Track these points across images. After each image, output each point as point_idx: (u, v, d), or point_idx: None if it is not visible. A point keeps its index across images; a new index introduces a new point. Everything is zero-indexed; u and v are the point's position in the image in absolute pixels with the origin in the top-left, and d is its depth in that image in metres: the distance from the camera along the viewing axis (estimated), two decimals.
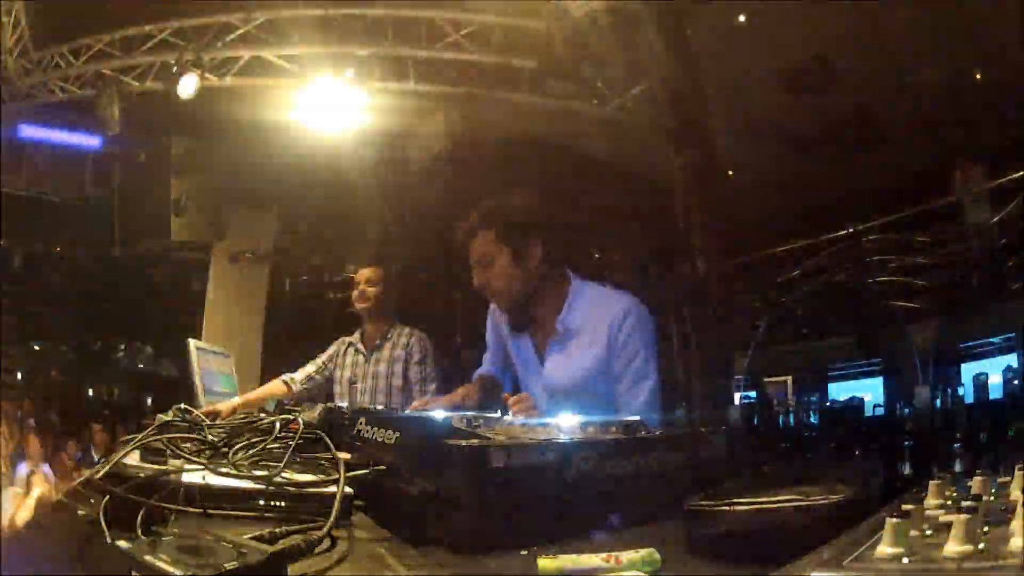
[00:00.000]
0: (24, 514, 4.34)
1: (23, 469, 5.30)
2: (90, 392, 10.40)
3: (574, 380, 2.07)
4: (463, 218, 2.14)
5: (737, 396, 6.21)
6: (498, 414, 1.41)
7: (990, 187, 6.08)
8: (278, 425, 1.25)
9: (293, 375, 3.22)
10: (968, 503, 0.66)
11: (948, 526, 0.65)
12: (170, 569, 0.66)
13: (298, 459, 1.13)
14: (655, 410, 1.98)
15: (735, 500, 0.94)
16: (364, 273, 3.30)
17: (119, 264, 8.80)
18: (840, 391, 7.23)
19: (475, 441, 1.02)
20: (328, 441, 1.15)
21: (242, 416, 2.14)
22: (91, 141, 7.31)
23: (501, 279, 2.06)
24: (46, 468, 5.48)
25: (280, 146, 6.30)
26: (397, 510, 1.02)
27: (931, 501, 0.84)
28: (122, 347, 10.65)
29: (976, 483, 0.90)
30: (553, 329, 2.09)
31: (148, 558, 0.68)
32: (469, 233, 2.10)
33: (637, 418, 1.30)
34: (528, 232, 2.07)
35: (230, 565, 0.68)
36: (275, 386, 3.18)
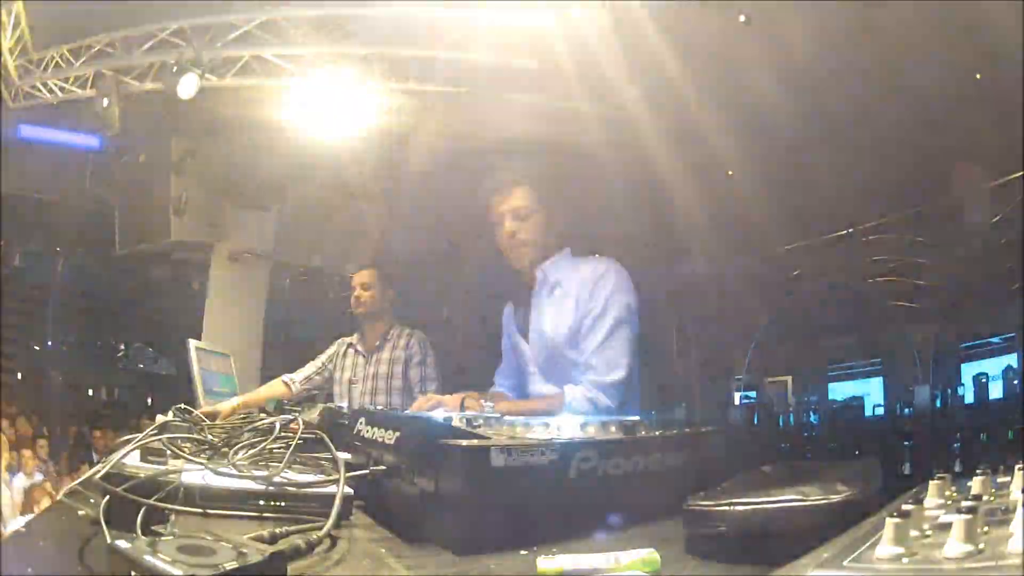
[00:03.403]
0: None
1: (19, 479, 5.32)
2: (90, 392, 10.40)
3: (553, 338, 2.10)
4: (502, 171, 2.20)
5: (737, 396, 6.21)
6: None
7: (990, 187, 6.08)
8: (278, 425, 1.25)
9: (292, 376, 3.22)
10: (968, 503, 0.66)
11: (948, 526, 0.65)
12: (170, 569, 0.66)
13: (298, 459, 1.13)
14: (609, 368, 1.98)
15: (735, 500, 0.94)
16: (358, 277, 3.30)
17: (119, 264, 8.79)
18: (840, 391, 7.23)
19: (475, 441, 1.02)
20: (328, 441, 1.15)
21: (242, 416, 2.14)
22: (91, 141, 7.31)
23: (531, 234, 2.15)
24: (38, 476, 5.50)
25: (280, 146, 6.30)
26: (397, 510, 1.02)
27: (931, 501, 0.84)
28: (122, 347, 10.65)
29: (976, 483, 0.89)
30: (532, 277, 2.16)
31: (148, 558, 0.68)
32: (509, 185, 2.17)
33: (636, 418, 1.30)
34: (562, 200, 2.19)
35: (230, 565, 0.68)
36: (275, 386, 3.18)
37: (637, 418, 1.30)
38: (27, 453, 5.72)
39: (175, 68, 5.43)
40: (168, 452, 1.10)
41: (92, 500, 0.96)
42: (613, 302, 2.03)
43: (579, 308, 2.06)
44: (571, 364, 2.06)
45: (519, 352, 2.26)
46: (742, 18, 4.49)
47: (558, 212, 2.17)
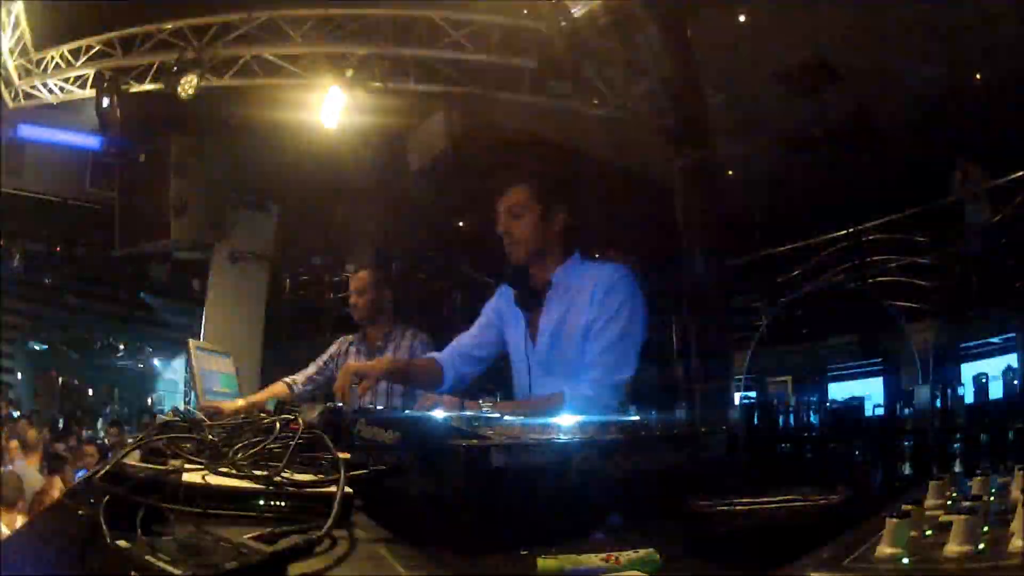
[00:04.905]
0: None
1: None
2: (90, 392, 10.41)
3: (563, 339, 2.11)
4: (503, 169, 2.24)
5: (737, 396, 6.20)
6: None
7: (990, 187, 6.08)
8: (278, 425, 1.24)
9: (295, 377, 3.22)
10: (968, 503, 0.66)
11: (948, 526, 0.65)
12: (170, 569, 0.66)
13: (298, 459, 1.12)
14: (615, 368, 2.01)
15: (735, 500, 0.94)
16: (354, 281, 3.29)
17: (119, 264, 8.80)
18: (840, 391, 7.22)
19: (475, 441, 1.02)
20: (328, 441, 1.15)
21: (242, 416, 2.14)
22: (91, 141, 7.31)
23: (524, 231, 2.18)
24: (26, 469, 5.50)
25: (280, 146, 6.30)
26: (397, 510, 1.02)
27: (931, 501, 0.84)
28: (121, 347, 10.65)
29: (976, 483, 0.89)
30: (546, 281, 2.19)
31: (148, 558, 0.68)
32: (507, 182, 2.21)
33: (636, 418, 1.30)
34: (560, 199, 2.20)
35: (230, 565, 0.67)
36: (277, 388, 3.18)
37: (637, 418, 1.30)
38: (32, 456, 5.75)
39: (175, 68, 5.44)
40: (168, 452, 1.10)
41: (92, 500, 0.96)
42: (625, 308, 2.05)
43: (591, 309, 2.08)
44: (575, 363, 2.07)
45: (519, 352, 2.26)
46: (742, 18, 4.50)
47: (556, 211, 2.17)
